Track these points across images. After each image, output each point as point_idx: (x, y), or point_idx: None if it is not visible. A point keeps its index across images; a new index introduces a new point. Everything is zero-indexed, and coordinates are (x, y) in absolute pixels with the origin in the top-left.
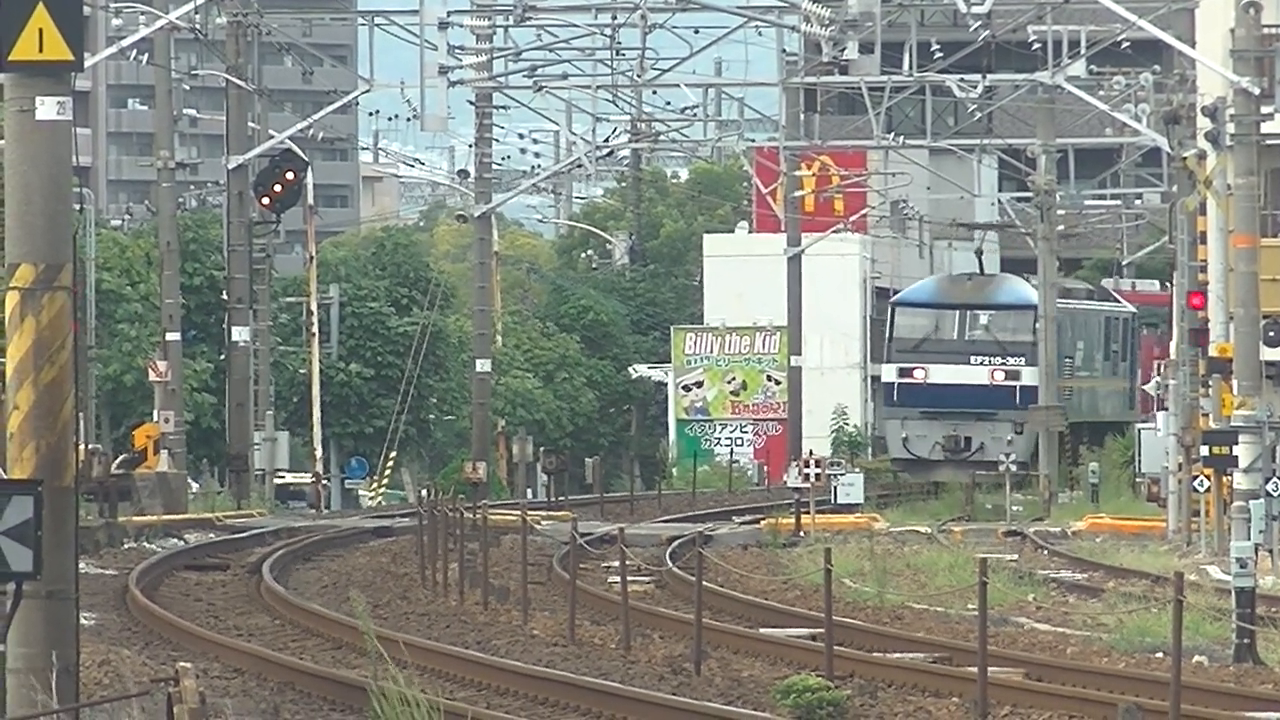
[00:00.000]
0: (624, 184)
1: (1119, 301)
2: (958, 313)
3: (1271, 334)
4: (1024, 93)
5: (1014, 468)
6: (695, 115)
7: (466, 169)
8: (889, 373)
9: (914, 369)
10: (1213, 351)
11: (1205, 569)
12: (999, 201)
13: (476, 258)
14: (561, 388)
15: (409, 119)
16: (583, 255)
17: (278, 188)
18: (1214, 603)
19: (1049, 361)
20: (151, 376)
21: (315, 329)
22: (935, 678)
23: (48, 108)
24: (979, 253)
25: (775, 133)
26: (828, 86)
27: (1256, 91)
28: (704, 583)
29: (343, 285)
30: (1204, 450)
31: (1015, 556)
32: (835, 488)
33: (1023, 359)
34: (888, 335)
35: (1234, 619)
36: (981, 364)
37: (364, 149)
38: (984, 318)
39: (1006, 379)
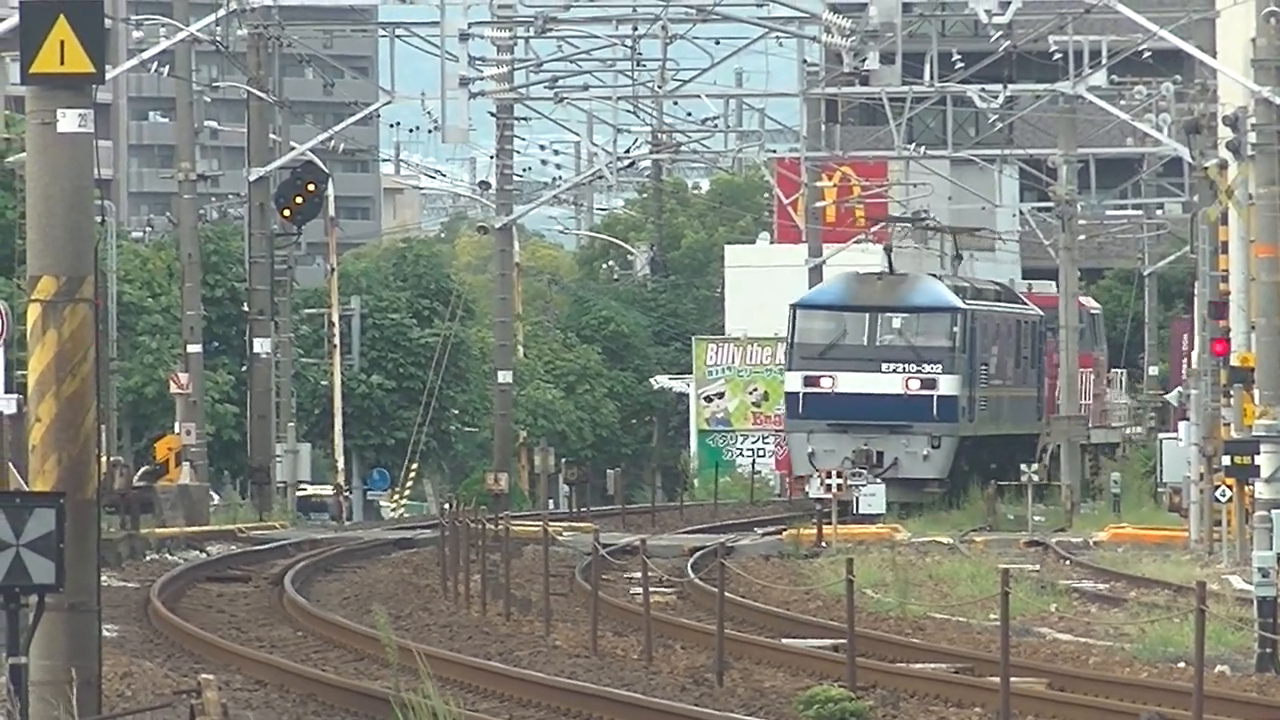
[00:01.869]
0: (645, 195)
1: (1026, 303)
2: (868, 315)
3: None
4: (1045, 103)
5: (1035, 478)
6: (716, 126)
7: (488, 180)
8: (793, 381)
9: (820, 377)
10: (1234, 361)
11: (1227, 579)
12: (1020, 212)
13: (498, 269)
14: (583, 399)
15: (430, 130)
16: (604, 266)
17: (299, 199)
18: (1236, 612)
19: (1069, 373)
20: (173, 389)
21: (337, 341)
22: (958, 688)
23: (69, 120)
24: (889, 249)
25: (796, 143)
26: (849, 97)
27: (1278, 101)
28: (726, 593)
29: (364, 297)
30: (1226, 460)
31: (1037, 567)
32: (856, 498)
33: (940, 366)
34: (789, 340)
35: (1256, 628)
36: (894, 372)
37: (385, 160)
38: (897, 321)
39: (922, 388)
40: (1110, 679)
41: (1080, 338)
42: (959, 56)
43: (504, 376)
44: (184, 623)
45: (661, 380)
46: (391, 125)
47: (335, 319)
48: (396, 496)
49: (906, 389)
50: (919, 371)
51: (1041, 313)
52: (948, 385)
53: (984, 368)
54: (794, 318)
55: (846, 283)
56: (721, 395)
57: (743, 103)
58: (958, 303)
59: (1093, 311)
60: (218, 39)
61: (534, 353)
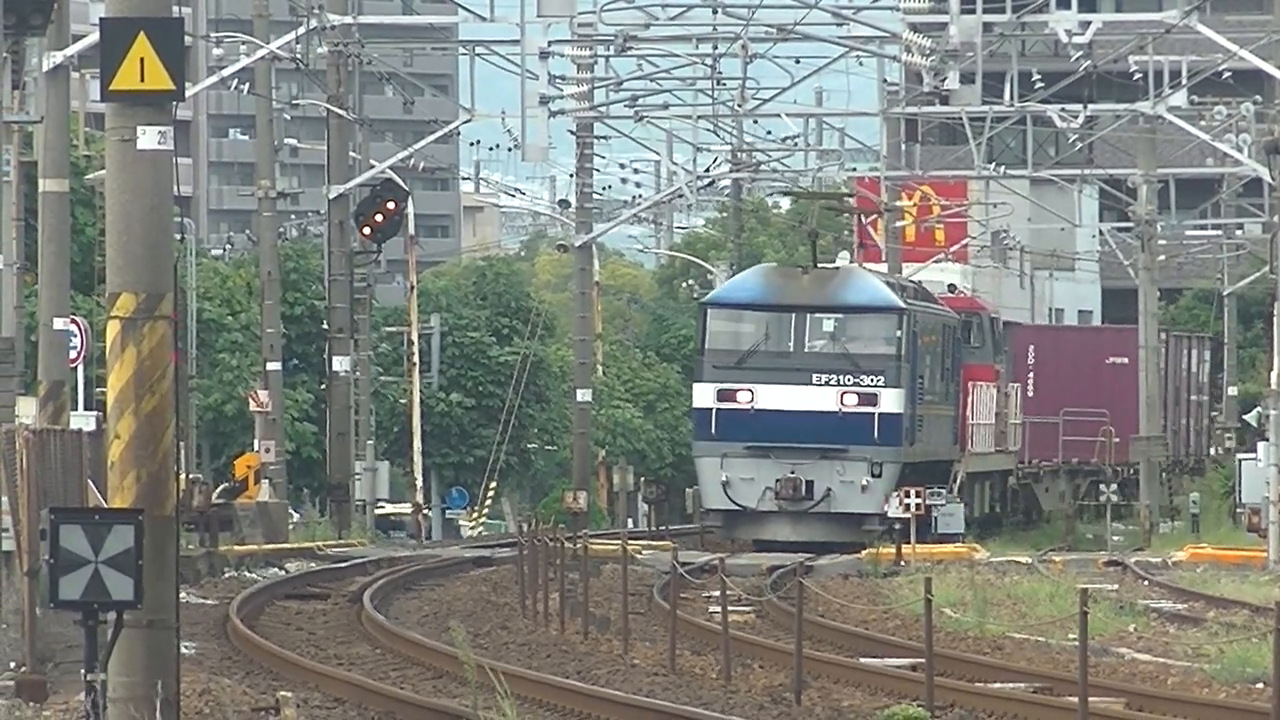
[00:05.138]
0: (725, 214)
1: (942, 305)
2: (794, 316)
3: None
4: (1125, 123)
5: (1114, 497)
6: (796, 145)
7: (567, 199)
8: (702, 395)
9: (736, 390)
10: None
11: None
12: (1100, 232)
13: (577, 287)
14: (662, 417)
15: (510, 149)
16: (684, 285)
17: (379, 217)
18: None
19: (1148, 393)
20: (252, 406)
21: (416, 359)
22: (1036, 708)
23: (149, 137)
24: (813, 235)
25: (876, 162)
26: (928, 116)
27: None
28: (804, 613)
29: (443, 315)
30: None
31: (1116, 586)
32: (936, 518)
33: (881, 378)
34: (699, 345)
35: None
36: (827, 384)
37: (465, 179)
38: (829, 323)
39: (860, 404)
40: (1188, 699)
41: (978, 348)
42: (1039, 76)
43: (583, 395)
44: (263, 640)
45: None
46: (471, 143)
47: (415, 337)
48: (475, 515)
49: (841, 405)
50: (856, 384)
51: (960, 316)
52: (890, 401)
53: (920, 381)
54: (704, 318)
55: (766, 277)
56: None
57: (823, 122)
58: (899, 301)
59: (992, 315)
60: (298, 56)
61: (613, 371)
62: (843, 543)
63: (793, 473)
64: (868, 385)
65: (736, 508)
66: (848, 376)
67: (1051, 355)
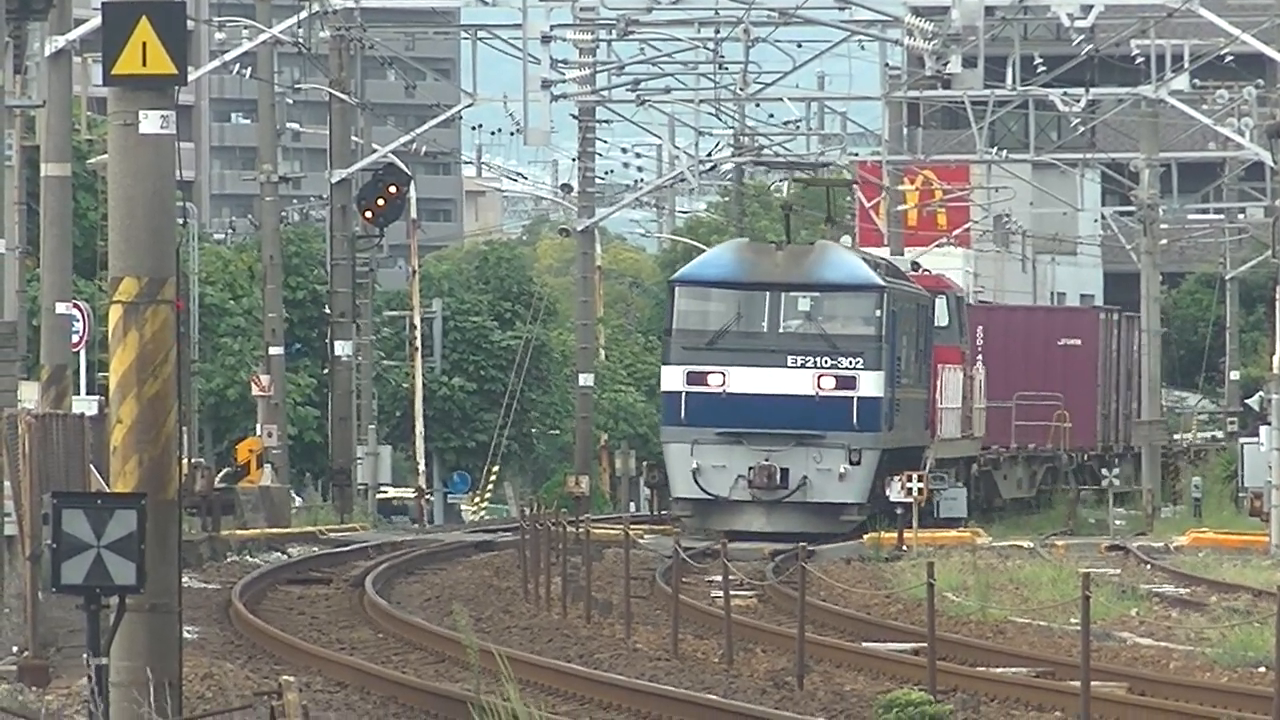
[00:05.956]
0: (727, 198)
1: (912, 283)
2: (768, 295)
3: None
4: (1127, 107)
5: (1116, 482)
6: (798, 129)
7: (569, 183)
8: (671, 378)
9: (708, 373)
10: None
11: None
12: (1102, 216)
13: (579, 272)
14: None
15: (512, 133)
16: None
17: (380, 202)
18: None
19: (1151, 377)
20: (254, 390)
21: (418, 343)
22: (1038, 692)
23: (151, 121)
24: (787, 208)
25: (878, 147)
26: (930, 100)
27: None
28: (806, 597)
29: (445, 299)
30: None
31: (1118, 571)
32: (938, 502)
33: (860, 359)
34: (667, 325)
35: None
36: (803, 366)
37: (467, 163)
38: (805, 302)
39: (838, 388)
40: (1191, 684)
41: (944, 328)
42: (1041, 60)
43: (585, 379)
44: (265, 624)
45: None
46: (473, 127)
47: (417, 321)
48: (477, 499)
49: (818, 389)
50: (834, 367)
51: (928, 294)
52: (870, 384)
53: (897, 363)
54: (673, 296)
55: (738, 253)
56: None
57: (824, 106)
58: (879, 279)
59: (958, 295)
60: (300, 41)
61: (615, 356)
62: (818, 534)
63: (767, 460)
64: (846, 368)
65: (707, 497)
66: (825, 358)
67: (1001, 336)
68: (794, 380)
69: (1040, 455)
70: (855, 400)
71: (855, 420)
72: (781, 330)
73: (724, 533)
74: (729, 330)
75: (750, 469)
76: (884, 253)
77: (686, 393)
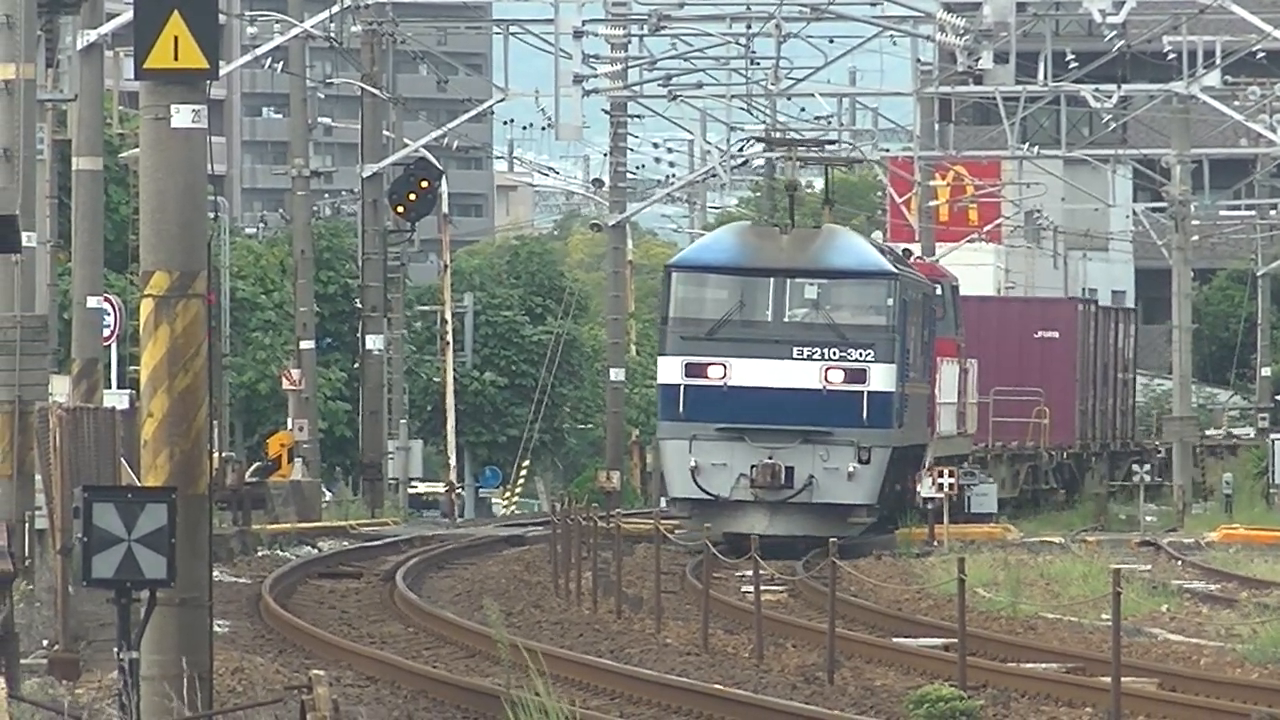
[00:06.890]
0: (758, 193)
1: (917, 272)
2: (772, 282)
3: None
4: (1159, 103)
5: (1147, 477)
6: (830, 124)
7: (601, 178)
8: (669, 369)
9: (707, 365)
10: None
11: None
12: (1133, 212)
13: (611, 267)
14: None
15: (544, 128)
16: None
17: (412, 196)
18: None
19: (1182, 374)
20: (285, 385)
21: (449, 337)
22: (1069, 688)
23: (183, 115)
24: (792, 188)
25: (910, 142)
26: (962, 96)
27: None
28: (837, 592)
29: (477, 294)
30: None
31: (1149, 567)
32: (969, 497)
33: (871, 352)
34: (663, 314)
35: None
36: (810, 359)
37: (499, 158)
38: (812, 290)
39: (847, 381)
40: (1221, 680)
41: (941, 319)
42: (1073, 56)
43: (616, 374)
44: (295, 618)
45: None
46: (505, 122)
47: (448, 316)
48: (508, 494)
49: (826, 382)
50: (843, 359)
51: (931, 284)
52: (880, 378)
53: (907, 355)
54: (670, 283)
55: (741, 237)
56: None
57: (856, 101)
58: (890, 266)
59: (953, 284)
60: (332, 35)
61: (646, 351)
62: (825, 537)
63: (770, 458)
64: (855, 360)
65: (706, 497)
66: (833, 350)
67: (976, 328)
68: (800, 373)
69: (1022, 454)
70: (865, 395)
71: (865, 416)
72: (787, 319)
73: (723, 535)
74: (730, 319)
75: (752, 467)
76: (915, 249)
77: (685, 386)
